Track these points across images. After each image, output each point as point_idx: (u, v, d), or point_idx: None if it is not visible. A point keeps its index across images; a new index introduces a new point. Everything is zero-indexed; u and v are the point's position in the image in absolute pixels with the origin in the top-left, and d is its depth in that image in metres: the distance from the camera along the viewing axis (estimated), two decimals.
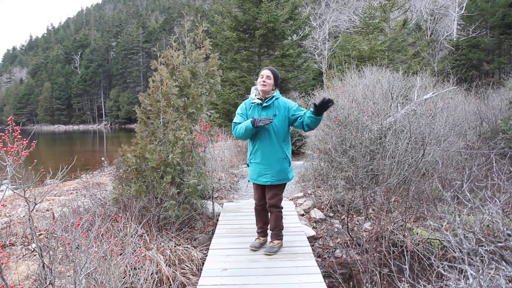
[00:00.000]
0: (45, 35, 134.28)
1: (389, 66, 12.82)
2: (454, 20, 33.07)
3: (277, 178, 3.97)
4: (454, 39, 32.15)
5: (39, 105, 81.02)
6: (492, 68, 31.82)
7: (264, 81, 3.90)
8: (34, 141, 2.94)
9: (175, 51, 5.73)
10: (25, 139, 2.90)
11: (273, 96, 3.96)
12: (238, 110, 4.10)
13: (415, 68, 16.72)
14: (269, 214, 4.20)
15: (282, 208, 4.17)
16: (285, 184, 4.13)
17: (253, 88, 4.08)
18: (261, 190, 4.15)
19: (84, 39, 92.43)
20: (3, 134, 2.84)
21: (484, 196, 2.76)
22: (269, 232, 4.35)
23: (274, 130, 3.90)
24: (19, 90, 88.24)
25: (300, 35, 17.71)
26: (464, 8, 32.51)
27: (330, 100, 3.53)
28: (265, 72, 3.95)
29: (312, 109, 3.66)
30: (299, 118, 3.86)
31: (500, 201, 2.58)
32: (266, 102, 3.94)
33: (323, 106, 3.56)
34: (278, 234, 4.21)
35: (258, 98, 3.98)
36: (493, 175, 3.08)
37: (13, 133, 2.83)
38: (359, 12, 30.89)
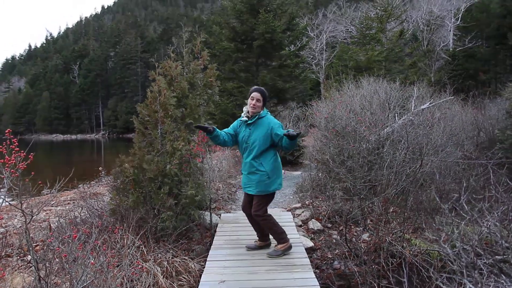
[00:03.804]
0: (44, 45, 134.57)
1: (386, 76, 12.90)
2: (450, 30, 33.40)
3: (258, 190, 4.25)
4: (451, 49, 32.43)
5: (37, 115, 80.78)
6: (488, 78, 32.07)
7: (254, 104, 4.21)
8: (32, 153, 2.93)
9: (173, 61, 5.74)
10: (22, 151, 2.90)
11: (258, 115, 4.25)
12: (233, 123, 4.53)
13: (412, 78, 16.82)
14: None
15: (266, 215, 4.36)
16: (267, 195, 4.34)
17: (244, 108, 4.37)
18: (247, 198, 4.50)
19: (82, 49, 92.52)
20: (1, 146, 2.83)
21: (482, 208, 2.76)
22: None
23: (250, 145, 4.26)
24: (17, 100, 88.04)
25: (297, 45, 17.78)
26: (460, 19, 32.85)
27: (297, 134, 3.82)
28: (256, 95, 4.23)
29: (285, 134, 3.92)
30: (280, 138, 4.08)
31: (497, 214, 2.58)
32: (250, 120, 4.27)
33: (293, 137, 3.83)
34: (279, 238, 4.37)
35: (246, 116, 4.31)
36: (491, 186, 3.08)
37: (11, 145, 2.82)
38: (356, 23, 31.14)
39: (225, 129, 4.51)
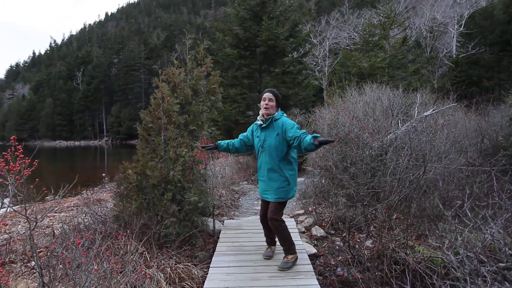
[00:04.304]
0: (48, 51, 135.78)
1: (389, 83, 12.89)
2: (453, 37, 33.41)
3: (277, 196, 4.17)
4: (454, 55, 32.38)
5: (41, 121, 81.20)
6: (492, 84, 31.94)
7: (266, 104, 4.14)
8: (36, 160, 2.95)
9: (176, 68, 5.78)
10: (27, 157, 2.92)
11: (272, 117, 4.14)
12: (249, 128, 4.48)
13: (415, 85, 16.79)
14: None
15: (282, 221, 4.27)
16: (285, 202, 4.31)
17: (260, 112, 4.31)
18: (264, 204, 4.42)
19: (86, 56, 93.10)
20: (6, 153, 2.85)
21: (485, 215, 2.75)
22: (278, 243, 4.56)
23: (266, 149, 4.15)
24: (21, 106, 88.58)
25: (300, 52, 17.79)
26: (463, 26, 32.86)
27: (332, 140, 3.49)
28: (268, 95, 4.17)
29: (312, 140, 3.50)
30: (296, 139, 3.80)
31: (501, 221, 2.57)
32: (264, 124, 4.17)
33: (325, 143, 3.49)
34: (289, 248, 4.32)
35: (261, 120, 4.23)
36: (494, 193, 3.07)
37: (16, 152, 2.85)
38: (359, 30, 31.20)
39: (243, 134, 4.54)
